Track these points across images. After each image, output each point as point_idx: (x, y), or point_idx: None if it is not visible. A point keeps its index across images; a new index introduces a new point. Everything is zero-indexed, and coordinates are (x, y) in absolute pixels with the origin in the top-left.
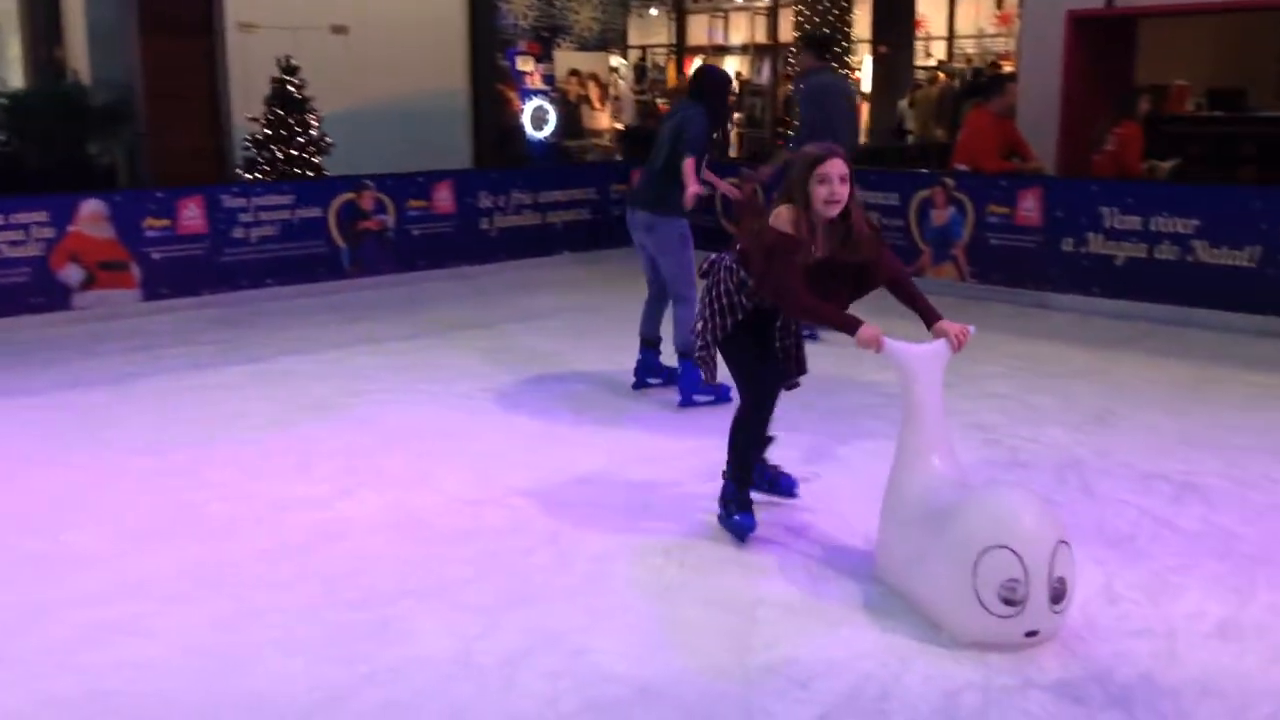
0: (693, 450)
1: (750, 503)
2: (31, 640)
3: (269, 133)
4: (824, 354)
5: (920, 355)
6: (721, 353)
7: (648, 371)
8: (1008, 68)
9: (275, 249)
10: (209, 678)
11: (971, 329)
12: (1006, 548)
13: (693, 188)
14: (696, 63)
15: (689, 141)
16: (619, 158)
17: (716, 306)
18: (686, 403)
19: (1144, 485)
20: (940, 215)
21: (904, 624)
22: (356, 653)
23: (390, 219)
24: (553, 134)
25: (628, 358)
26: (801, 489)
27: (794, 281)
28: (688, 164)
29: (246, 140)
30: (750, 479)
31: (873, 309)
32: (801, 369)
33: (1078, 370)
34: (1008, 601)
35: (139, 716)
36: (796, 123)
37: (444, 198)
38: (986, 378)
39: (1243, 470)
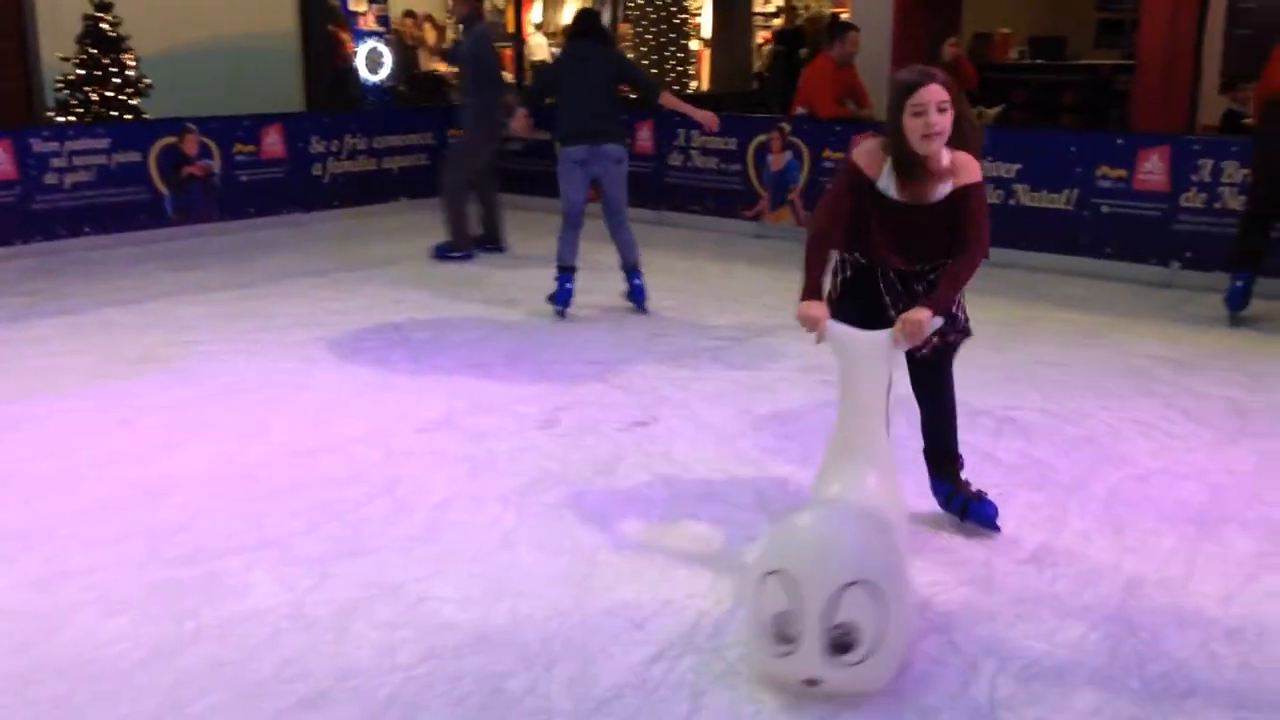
0: (532, 397)
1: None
2: None
3: (82, 73)
4: (663, 296)
5: (857, 343)
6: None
7: (571, 297)
8: (844, 15)
9: (92, 195)
10: (23, 641)
11: (930, 324)
12: (780, 574)
13: (705, 113)
14: (537, 6)
15: (643, 77)
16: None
17: (832, 267)
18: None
19: (968, 420)
20: (777, 160)
21: (737, 565)
22: (182, 609)
23: (216, 164)
24: (389, 77)
25: (468, 304)
26: (639, 433)
27: (821, 215)
28: (669, 98)
29: (58, 81)
30: None
31: None
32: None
33: None
34: (779, 638)
35: None
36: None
37: (273, 142)
38: None
39: (1058, 404)
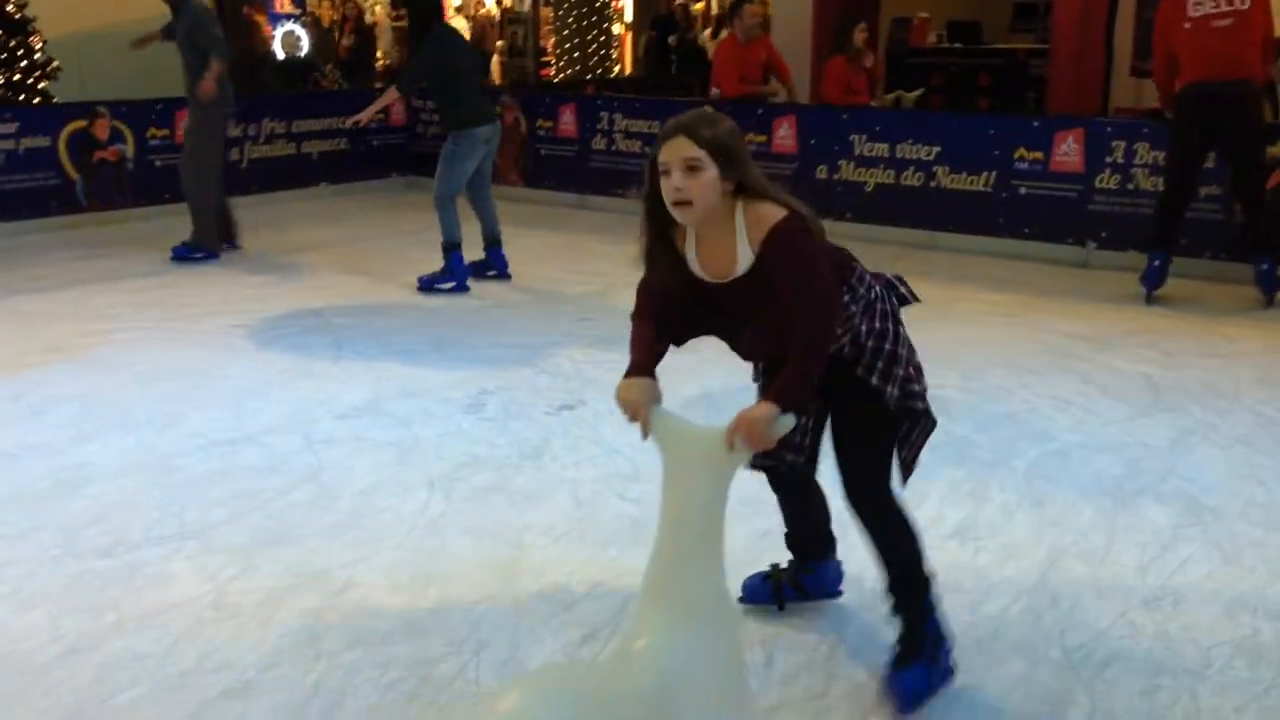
0: (458, 382)
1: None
2: None
3: None
4: (588, 280)
5: (683, 442)
6: None
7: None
8: None
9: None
10: None
11: (777, 424)
12: None
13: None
14: None
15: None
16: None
17: None
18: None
19: None
20: None
21: None
22: (102, 602)
23: (129, 149)
24: (307, 60)
25: (391, 289)
26: (566, 416)
27: (636, 301)
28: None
29: None
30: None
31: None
32: (791, 449)
33: None
34: None
35: None
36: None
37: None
38: None
39: (978, 382)
